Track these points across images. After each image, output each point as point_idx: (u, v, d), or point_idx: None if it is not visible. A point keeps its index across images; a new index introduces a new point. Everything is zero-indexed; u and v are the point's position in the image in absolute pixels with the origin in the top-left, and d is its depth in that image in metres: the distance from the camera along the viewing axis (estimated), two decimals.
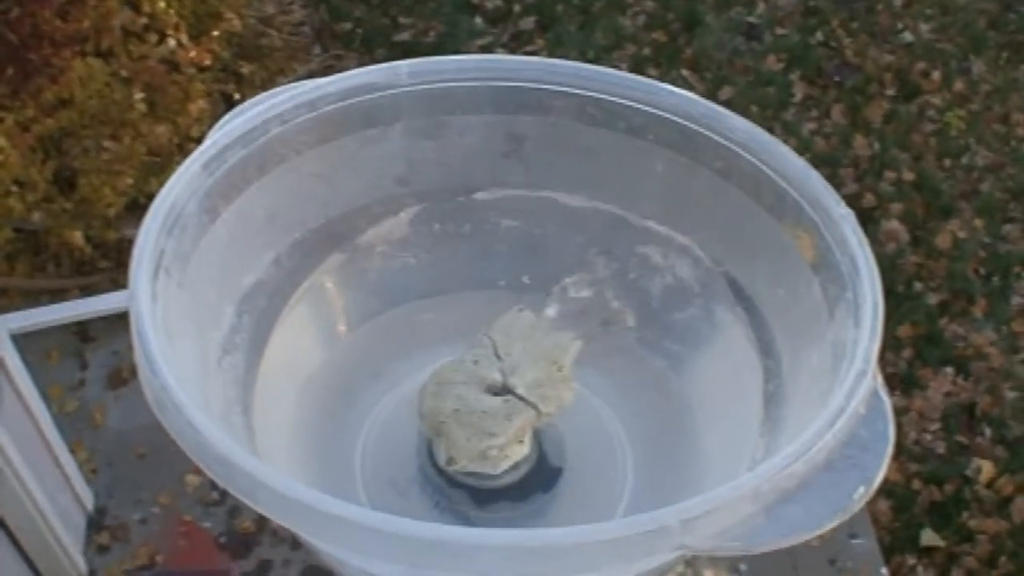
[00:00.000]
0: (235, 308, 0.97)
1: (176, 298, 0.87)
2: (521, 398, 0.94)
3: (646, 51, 3.46)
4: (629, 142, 1.03)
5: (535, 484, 0.97)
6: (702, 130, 1.00)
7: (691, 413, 1.03)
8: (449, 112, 1.05)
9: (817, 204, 0.93)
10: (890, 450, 0.79)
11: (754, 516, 0.75)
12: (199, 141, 0.98)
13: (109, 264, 2.62)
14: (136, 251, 0.86)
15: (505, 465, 0.94)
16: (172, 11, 2.63)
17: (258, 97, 1.01)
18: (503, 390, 0.95)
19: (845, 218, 0.91)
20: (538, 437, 0.98)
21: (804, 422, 0.81)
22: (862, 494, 0.77)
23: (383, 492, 0.98)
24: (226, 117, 0.99)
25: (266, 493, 0.73)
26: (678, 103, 1.01)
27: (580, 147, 1.06)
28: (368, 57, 3.35)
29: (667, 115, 1.01)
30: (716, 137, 1.00)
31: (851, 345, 0.84)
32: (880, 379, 0.82)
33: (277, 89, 1.02)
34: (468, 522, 0.95)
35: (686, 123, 1.01)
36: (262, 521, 2.09)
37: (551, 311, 1.01)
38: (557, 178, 1.07)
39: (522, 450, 0.95)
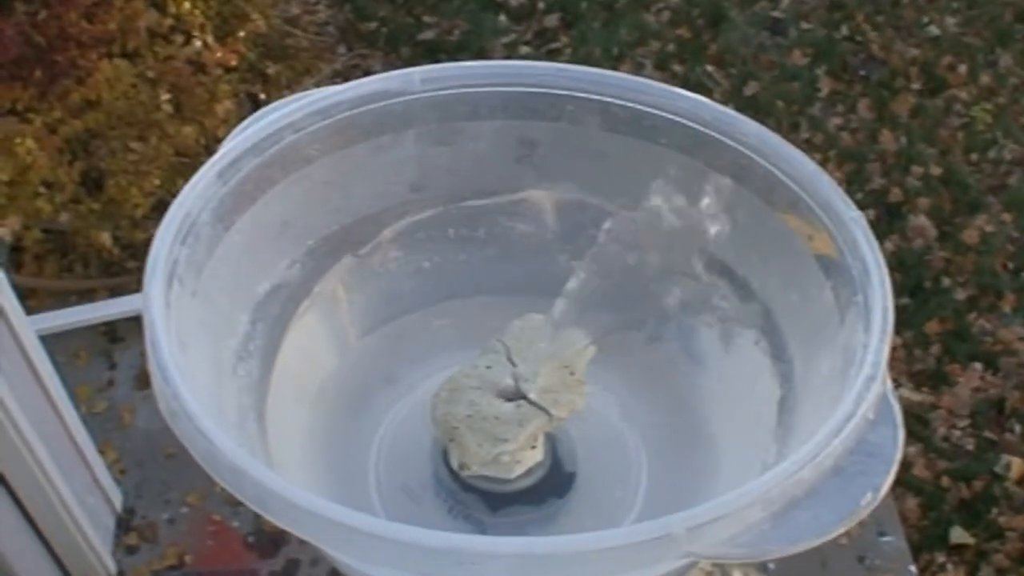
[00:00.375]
0: (249, 316, 0.98)
1: (190, 307, 0.88)
2: (534, 403, 0.95)
3: (671, 47, 3.45)
4: (642, 146, 1.03)
5: (548, 489, 0.97)
6: (714, 134, 1.00)
7: (705, 417, 1.04)
8: (461, 118, 1.06)
9: (828, 207, 0.94)
10: (899, 456, 0.79)
11: (761, 523, 0.75)
12: None
13: (137, 265, 2.63)
14: (150, 261, 0.87)
15: (518, 470, 0.94)
16: (198, 12, 2.64)
17: (272, 105, 1.02)
18: (516, 395, 0.96)
19: (856, 221, 0.92)
20: (551, 442, 0.99)
21: (814, 428, 0.81)
22: (869, 500, 0.77)
23: (396, 498, 0.98)
24: (240, 126, 1.00)
25: (276, 502, 0.74)
26: (689, 107, 1.01)
27: (592, 151, 1.06)
28: (393, 55, 3.36)
29: (679, 119, 1.01)
30: (728, 141, 1.00)
31: (861, 350, 0.84)
32: (890, 384, 0.82)
33: (290, 97, 1.03)
34: (481, 527, 0.96)
35: (698, 127, 1.01)
36: None
37: (559, 310, 1.01)
38: (570, 182, 1.08)
39: (535, 455, 0.95)
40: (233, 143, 0.97)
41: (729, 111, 1.01)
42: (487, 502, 0.96)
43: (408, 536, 0.72)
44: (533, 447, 0.94)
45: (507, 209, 1.09)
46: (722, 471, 0.98)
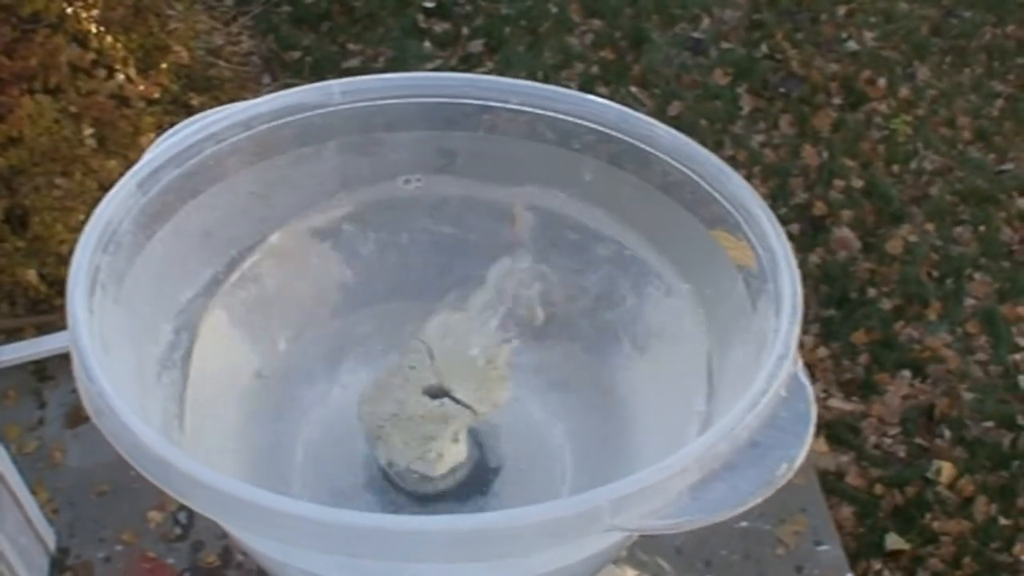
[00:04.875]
0: (172, 325, 0.98)
1: (112, 313, 0.88)
2: (457, 401, 0.96)
3: (595, 69, 3.48)
4: (557, 152, 1.05)
5: (475, 484, 0.99)
6: (626, 137, 1.02)
7: (629, 410, 1.05)
8: (381, 129, 1.07)
9: (737, 202, 0.96)
10: (812, 429, 0.81)
11: (681, 495, 0.77)
12: None
13: (64, 302, 2.61)
14: (72, 266, 0.88)
15: (443, 467, 0.95)
16: (120, 45, 2.64)
17: (194, 117, 1.03)
18: (440, 392, 0.97)
19: (764, 212, 0.94)
20: (477, 438, 1.00)
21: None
22: (785, 471, 0.78)
23: (325, 501, 0.99)
24: (162, 137, 1.01)
25: (202, 491, 0.74)
26: (601, 112, 1.04)
27: (510, 159, 1.08)
28: None
29: (591, 124, 1.04)
30: (640, 144, 1.02)
31: (772, 334, 0.86)
32: (801, 363, 0.84)
33: (212, 110, 1.04)
34: None
35: (610, 131, 1.03)
36: (226, 555, 2.08)
37: (478, 304, 1.02)
38: (490, 190, 1.09)
39: (459, 451, 0.96)
40: (153, 154, 0.98)
41: (638, 115, 1.03)
42: (416, 500, 0.97)
43: (336, 518, 0.72)
44: (456, 441, 0.96)
45: (430, 213, 1.10)
46: (647, 462, 0.99)
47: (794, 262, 0.90)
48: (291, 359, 1.08)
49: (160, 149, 0.98)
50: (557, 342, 1.09)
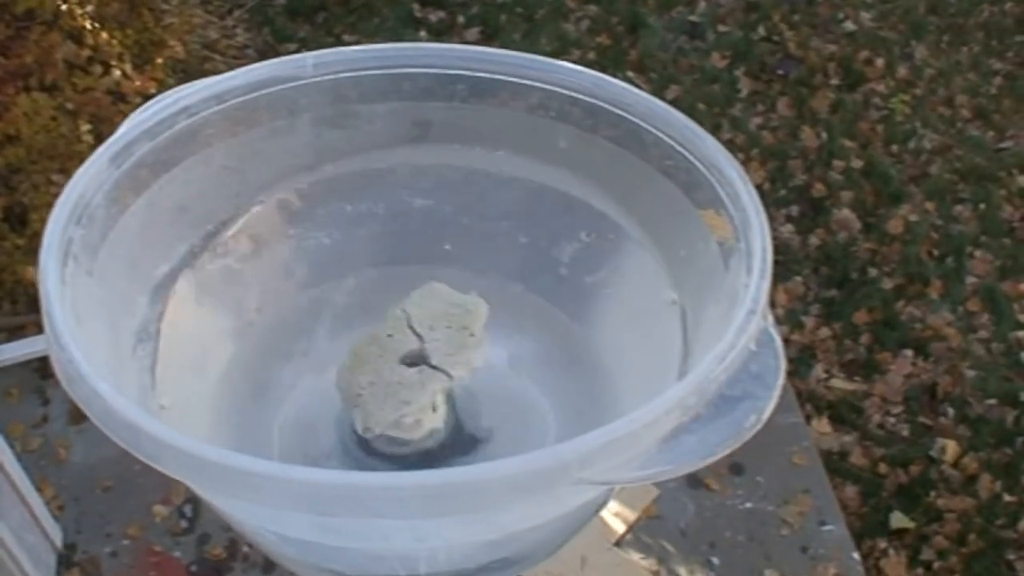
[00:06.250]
0: (148, 298, 0.99)
1: (86, 285, 0.89)
2: (435, 367, 0.96)
3: (591, 55, 3.49)
4: (531, 119, 1.05)
5: (453, 449, 0.99)
6: (600, 103, 1.02)
7: (608, 372, 1.05)
8: (355, 101, 1.07)
9: (710, 164, 0.96)
10: (780, 382, 0.81)
11: (650, 448, 0.77)
12: None
13: None
14: (45, 237, 0.88)
15: (420, 432, 0.95)
16: (115, 41, 2.64)
17: (167, 92, 1.03)
18: (418, 360, 0.97)
19: (736, 172, 0.94)
20: (454, 404, 1.00)
21: None
22: (753, 423, 0.78)
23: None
24: (135, 112, 1.01)
25: (171, 453, 0.75)
26: (575, 80, 1.04)
27: (485, 128, 1.08)
28: None
29: (563, 91, 1.04)
30: (614, 109, 1.02)
31: (743, 291, 0.86)
32: (771, 318, 0.84)
33: (184, 85, 1.04)
34: None
35: (583, 97, 1.03)
36: (233, 547, 2.09)
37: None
38: (465, 159, 1.10)
39: (436, 417, 0.96)
40: (126, 128, 0.98)
41: (610, 79, 1.03)
42: (393, 466, 0.97)
43: (306, 476, 0.72)
44: (434, 409, 0.96)
45: (405, 184, 1.11)
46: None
47: (766, 220, 0.90)
48: (267, 331, 1.09)
49: (133, 123, 0.98)
50: (535, 309, 1.09)
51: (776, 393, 0.80)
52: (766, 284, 0.85)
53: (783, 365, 0.82)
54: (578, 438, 0.74)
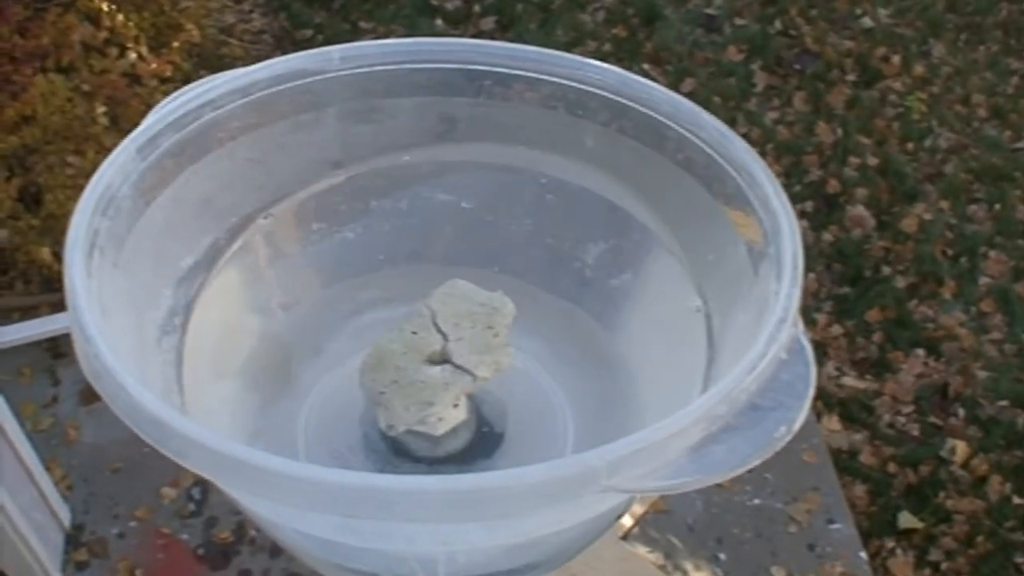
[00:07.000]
0: (172, 290, 0.98)
1: (111, 277, 0.88)
2: (459, 367, 0.96)
3: (607, 47, 3.48)
4: (558, 117, 1.05)
5: (477, 451, 0.98)
6: (628, 102, 1.02)
7: (631, 377, 1.05)
8: (382, 96, 1.06)
9: (740, 166, 0.95)
10: (811, 392, 0.80)
11: (679, 457, 0.76)
12: None
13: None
14: (71, 229, 0.87)
15: (443, 428, 0.95)
16: (132, 24, 2.65)
17: (193, 84, 1.02)
18: (442, 359, 0.97)
19: (766, 176, 0.93)
20: (478, 404, 1.00)
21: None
22: (783, 433, 0.78)
23: (325, 463, 0.98)
24: (161, 103, 1.01)
25: (198, 451, 0.74)
26: (602, 78, 1.03)
27: (511, 125, 1.07)
28: None
29: (593, 89, 1.03)
30: (642, 108, 1.01)
31: (773, 298, 0.85)
32: (801, 326, 0.84)
33: (211, 76, 1.03)
34: None
35: (612, 96, 1.03)
36: (240, 531, 2.09)
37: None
38: (490, 156, 1.09)
39: (458, 414, 0.96)
40: (153, 119, 0.97)
41: (640, 79, 1.02)
42: (418, 464, 0.97)
43: (332, 478, 0.72)
44: (456, 406, 0.95)
45: (429, 180, 1.10)
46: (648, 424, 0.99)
47: (796, 225, 0.90)
48: (291, 326, 1.08)
49: (159, 115, 0.97)
50: (558, 309, 1.08)
51: (807, 403, 0.79)
52: (797, 292, 0.84)
53: (814, 374, 0.81)
54: (606, 446, 0.74)
